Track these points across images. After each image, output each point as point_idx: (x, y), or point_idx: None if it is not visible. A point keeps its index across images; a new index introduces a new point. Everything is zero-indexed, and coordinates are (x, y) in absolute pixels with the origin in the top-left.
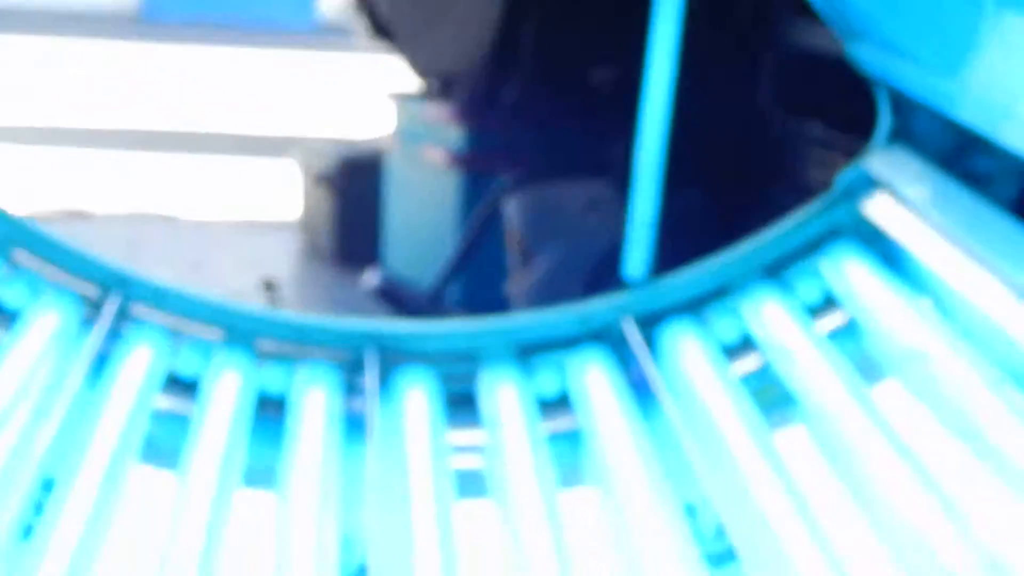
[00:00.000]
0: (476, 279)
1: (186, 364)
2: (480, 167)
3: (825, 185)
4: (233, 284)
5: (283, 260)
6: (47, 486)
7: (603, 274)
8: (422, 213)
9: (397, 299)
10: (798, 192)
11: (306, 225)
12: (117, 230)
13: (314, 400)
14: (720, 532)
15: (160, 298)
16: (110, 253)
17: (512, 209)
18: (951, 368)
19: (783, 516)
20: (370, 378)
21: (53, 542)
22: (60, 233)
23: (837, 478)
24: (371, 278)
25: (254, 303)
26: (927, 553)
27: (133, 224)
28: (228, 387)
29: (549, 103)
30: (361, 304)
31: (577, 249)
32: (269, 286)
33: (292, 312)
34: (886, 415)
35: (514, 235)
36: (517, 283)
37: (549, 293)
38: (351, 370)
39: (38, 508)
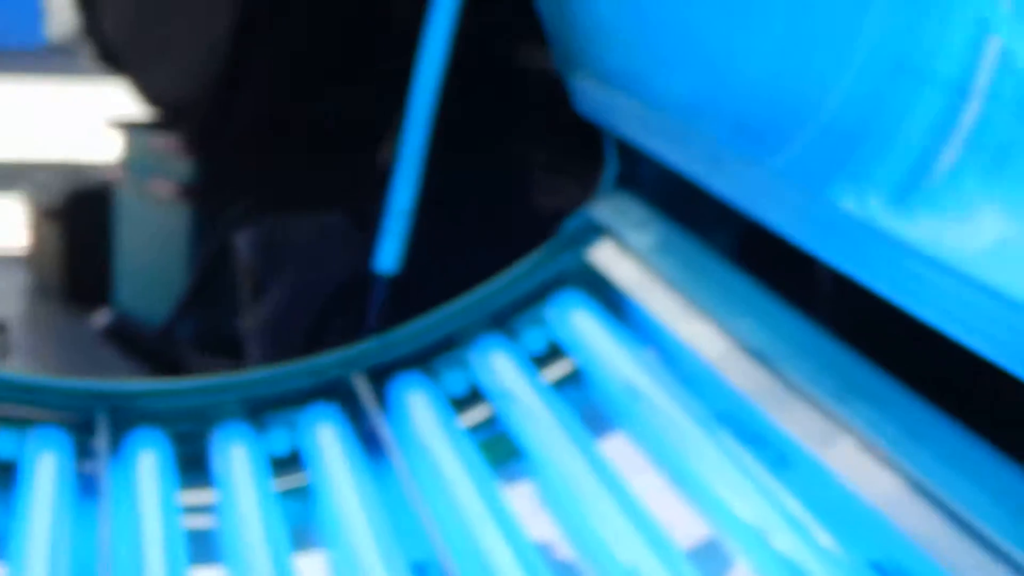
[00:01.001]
0: (209, 315)
1: None
2: (210, 200)
3: (554, 212)
4: None
5: (12, 299)
6: None
7: (337, 307)
8: (153, 248)
9: (128, 339)
10: (527, 219)
11: (34, 262)
12: None
13: (45, 465)
14: None
15: None
16: None
17: (243, 243)
18: (672, 416)
19: (511, 573)
20: (100, 442)
21: None
22: None
23: (564, 530)
24: (102, 317)
25: None
26: None
27: None
28: None
29: (279, 133)
30: (93, 345)
31: (310, 282)
32: None
33: (21, 373)
34: (610, 464)
35: (245, 269)
36: (250, 318)
37: (283, 327)
38: (83, 432)
39: None
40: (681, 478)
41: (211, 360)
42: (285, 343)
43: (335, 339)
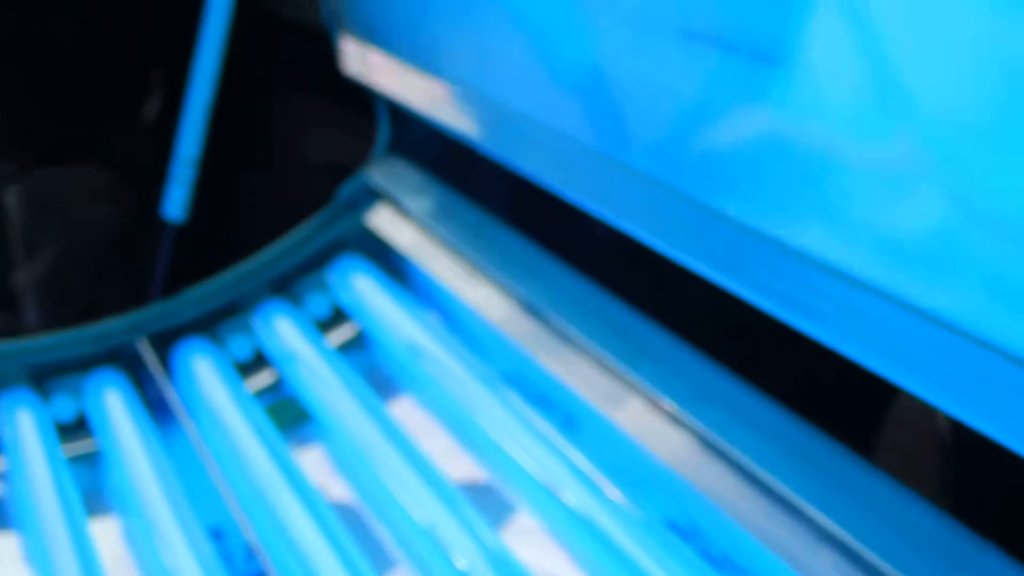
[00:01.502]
0: None
1: None
2: None
3: (326, 165)
4: None
5: None
6: None
7: (112, 262)
8: None
9: None
10: (300, 173)
11: None
12: None
13: None
14: (250, 554)
15: None
16: None
17: (12, 199)
18: (457, 376)
19: (309, 534)
20: None
21: None
22: None
23: (359, 492)
24: None
25: None
26: (444, 562)
27: None
28: None
29: (39, 90)
30: None
31: (82, 239)
32: None
33: None
34: (400, 426)
35: (15, 226)
36: (22, 277)
37: (59, 284)
38: None
39: None
40: (468, 438)
41: None
42: (63, 300)
43: (115, 293)
